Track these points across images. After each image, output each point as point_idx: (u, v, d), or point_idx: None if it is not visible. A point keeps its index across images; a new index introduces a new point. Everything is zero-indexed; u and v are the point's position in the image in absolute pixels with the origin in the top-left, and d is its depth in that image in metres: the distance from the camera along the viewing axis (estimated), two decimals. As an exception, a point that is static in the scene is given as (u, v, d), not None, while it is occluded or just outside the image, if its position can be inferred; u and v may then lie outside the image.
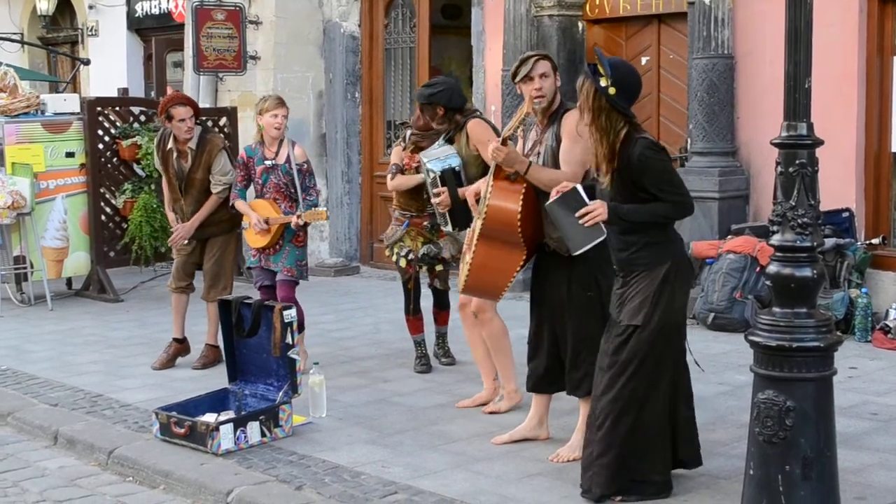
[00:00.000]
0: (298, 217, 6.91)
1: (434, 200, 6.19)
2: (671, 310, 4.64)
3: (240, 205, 7.17)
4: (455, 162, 6.21)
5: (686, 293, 4.77)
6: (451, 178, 6.14)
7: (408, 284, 7.18)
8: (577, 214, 4.56)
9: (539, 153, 5.28)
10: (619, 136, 4.57)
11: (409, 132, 7.06)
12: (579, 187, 4.62)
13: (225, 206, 7.40)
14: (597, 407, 4.75)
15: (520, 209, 5.09)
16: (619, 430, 4.67)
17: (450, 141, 6.39)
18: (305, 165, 7.14)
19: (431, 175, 6.21)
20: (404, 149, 7.07)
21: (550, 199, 4.67)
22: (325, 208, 7.04)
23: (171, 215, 7.69)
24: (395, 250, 7.11)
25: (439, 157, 6.25)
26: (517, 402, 6.12)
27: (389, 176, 7.10)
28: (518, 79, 5.29)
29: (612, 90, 4.51)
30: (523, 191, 5.14)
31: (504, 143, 5.22)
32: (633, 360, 4.66)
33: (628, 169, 4.56)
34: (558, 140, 5.20)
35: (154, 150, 7.77)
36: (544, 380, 5.47)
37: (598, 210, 4.55)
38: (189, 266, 7.60)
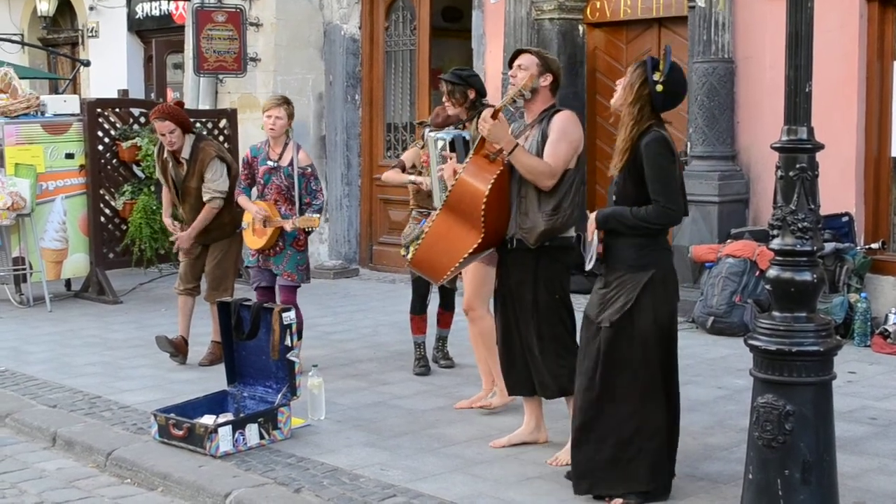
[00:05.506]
0: (292, 223, 6.91)
1: (439, 167, 5.92)
2: (651, 317, 4.61)
3: (242, 200, 7.18)
4: (466, 134, 6.08)
5: (670, 304, 4.71)
6: (461, 146, 5.96)
7: (418, 282, 7.16)
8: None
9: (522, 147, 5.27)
10: (641, 129, 4.62)
11: (427, 130, 6.98)
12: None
13: (226, 211, 7.41)
14: (578, 406, 4.76)
15: (488, 191, 5.07)
16: (605, 428, 4.67)
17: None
18: (309, 169, 7.13)
19: (440, 143, 6.06)
20: (422, 147, 7.00)
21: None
22: (318, 216, 6.98)
23: (167, 221, 7.75)
24: (412, 248, 7.05)
25: (448, 132, 6.15)
26: (511, 399, 6.08)
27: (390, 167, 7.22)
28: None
29: (659, 87, 4.59)
30: (497, 174, 5.12)
31: (495, 116, 5.14)
32: (612, 361, 4.65)
33: (636, 159, 4.60)
34: (544, 137, 5.18)
35: (154, 157, 7.80)
36: (519, 381, 5.45)
37: (590, 221, 4.71)
38: (196, 269, 7.64)
